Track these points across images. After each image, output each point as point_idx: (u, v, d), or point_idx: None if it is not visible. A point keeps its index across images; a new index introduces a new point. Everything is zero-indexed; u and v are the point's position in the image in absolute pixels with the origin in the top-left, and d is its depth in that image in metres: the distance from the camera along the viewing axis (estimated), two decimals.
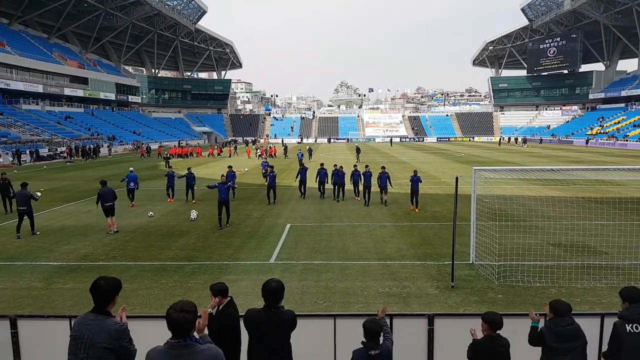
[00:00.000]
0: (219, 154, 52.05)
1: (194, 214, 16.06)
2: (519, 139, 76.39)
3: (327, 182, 20.23)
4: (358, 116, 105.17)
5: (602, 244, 11.64)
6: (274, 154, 46.99)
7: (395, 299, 8.49)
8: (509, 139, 79.51)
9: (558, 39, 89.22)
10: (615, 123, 71.71)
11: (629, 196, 18.78)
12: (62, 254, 11.82)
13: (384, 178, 18.16)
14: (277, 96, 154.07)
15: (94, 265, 10.82)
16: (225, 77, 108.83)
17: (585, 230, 12.64)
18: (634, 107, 75.21)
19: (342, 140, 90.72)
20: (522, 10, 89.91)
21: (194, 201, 19.41)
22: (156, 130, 78.76)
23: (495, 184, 18.78)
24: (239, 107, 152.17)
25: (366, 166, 19.59)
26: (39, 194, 15.03)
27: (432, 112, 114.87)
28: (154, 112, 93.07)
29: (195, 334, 3.22)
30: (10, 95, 57.75)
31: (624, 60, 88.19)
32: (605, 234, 12.03)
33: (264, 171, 25.46)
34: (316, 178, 20.01)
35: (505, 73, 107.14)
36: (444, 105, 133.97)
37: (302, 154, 35.48)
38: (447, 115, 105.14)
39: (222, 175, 15.79)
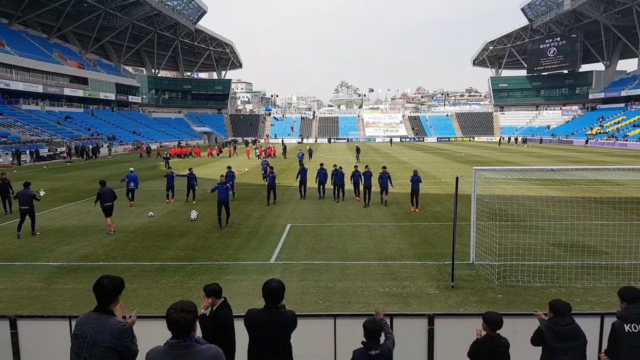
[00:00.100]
0: (218, 154, 52.01)
1: (194, 214, 16.06)
2: (519, 139, 76.41)
3: (327, 183, 20.21)
4: (358, 116, 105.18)
5: (602, 244, 11.65)
6: (273, 154, 46.88)
7: (395, 299, 8.49)
8: (509, 138, 79.52)
9: (558, 39, 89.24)
10: (615, 123, 71.72)
11: (628, 196, 18.78)
12: (62, 254, 11.82)
13: (384, 178, 18.14)
14: (277, 96, 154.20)
15: (94, 266, 10.82)
16: (226, 77, 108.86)
17: (585, 230, 12.63)
18: (633, 107, 75.23)
19: (342, 141, 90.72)
20: (522, 10, 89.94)
21: (194, 202, 19.40)
22: (156, 130, 78.76)
23: (496, 184, 18.78)
24: (239, 107, 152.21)
25: (366, 166, 19.57)
26: (42, 193, 15.02)
27: (432, 112, 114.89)
28: (154, 112, 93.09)
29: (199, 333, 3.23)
30: (10, 95, 57.76)
31: (624, 60, 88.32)
32: (605, 234, 12.03)
33: (263, 172, 25.46)
34: (316, 178, 20.00)
35: (505, 73, 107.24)
36: (444, 105, 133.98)
37: (303, 154, 35.46)
38: (447, 115, 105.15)
39: (222, 176, 15.79)
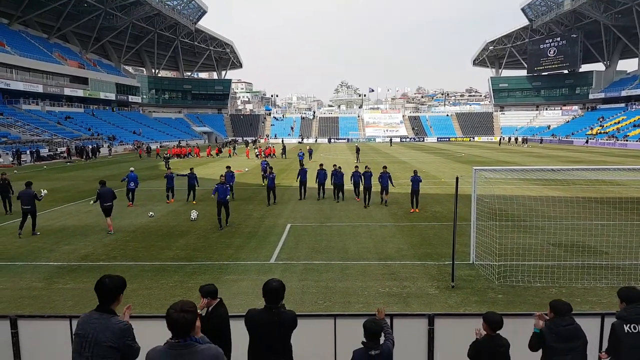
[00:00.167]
0: (217, 154, 51.95)
1: (194, 214, 16.06)
2: (519, 139, 76.43)
3: (327, 183, 20.17)
4: (358, 116, 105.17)
5: (602, 244, 11.64)
6: (273, 153, 46.83)
7: (395, 299, 8.49)
8: (509, 138, 79.51)
9: (558, 39, 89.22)
10: (615, 123, 71.71)
11: (629, 196, 18.78)
12: (62, 254, 11.82)
13: (385, 178, 18.11)
14: (277, 96, 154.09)
15: (95, 266, 10.82)
16: (226, 77, 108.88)
17: (585, 230, 12.64)
18: (634, 107, 75.21)
19: (343, 140, 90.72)
20: (523, 10, 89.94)
21: (194, 202, 19.40)
22: (156, 130, 78.78)
23: (496, 184, 18.77)
24: (239, 107, 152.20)
25: (366, 167, 19.55)
26: (44, 192, 15.00)
27: (432, 112, 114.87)
28: (154, 112, 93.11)
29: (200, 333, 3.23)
30: (10, 95, 57.77)
31: (624, 60, 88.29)
32: (605, 234, 12.03)
33: (263, 172, 25.43)
34: (316, 179, 19.99)
35: (506, 73, 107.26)
36: (444, 105, 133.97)
37: (303, 154, 35.44)
38: (447, 115, 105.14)
39: (221, 176, 15.79)
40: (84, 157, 46.88)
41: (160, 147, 57.64)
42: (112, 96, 76.30)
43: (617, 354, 4.17)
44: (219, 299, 4.68)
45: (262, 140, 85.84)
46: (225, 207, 14.62)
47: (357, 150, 43.21)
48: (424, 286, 9.18)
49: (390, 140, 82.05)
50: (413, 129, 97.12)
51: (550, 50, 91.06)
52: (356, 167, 20.55)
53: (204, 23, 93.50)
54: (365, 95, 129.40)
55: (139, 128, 74.26)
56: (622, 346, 4.12)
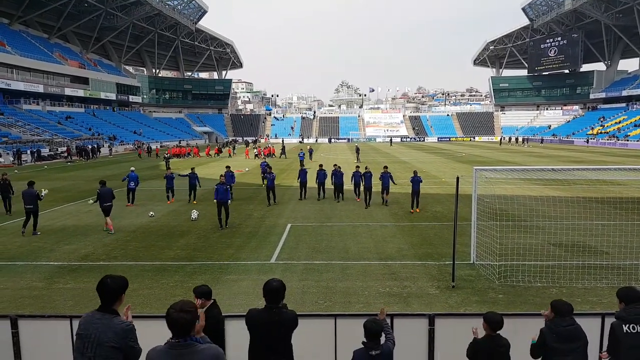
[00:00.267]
0: (216, 154, 51.90)
1: (194, 214, 16.06)
2: (519, 139, 76.43)
3: (327, 183, 20.15)
4: (359, 116, 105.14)
5: (603, 244, 11.64)
6: (272, 153, 46.82)
7: (396, 299, 8.49)
8: (510, 138, 79.48)
9: (559, 38, 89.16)
10: (616, 123, 71.66)
11: (629, 196, 18.76)
12: (63, 253, 11.83)
13: (386, 177, 18.07)
14: (277, 96, 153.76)
15: (95, 265, 10.83)
16: (226, 77, 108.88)
17: (586, 230, 12.62)
18: (634, 106, 75.16)
19: (343, 140, 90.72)
20: (523, 9, 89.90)
21: (194, 202, 19.40)
22: (157, 130, 78.82)
23: (496, 183, 18.76)
24: (240, 107, 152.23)
25: (366, 167, 19.54)
26: (45, 191, 15.03)
27: (432, 111, 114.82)
28: (154, 112, 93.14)
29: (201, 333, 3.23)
30: (11, 95, 57.80)
31: (625, 59, 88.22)
32: (606, 234, 12.02)
33: (262, 173, 25.42)
34: (316, 179, 19.98)
35: (506, 73, 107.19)
36: (445, 105, 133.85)
37: (304, 154, 35.43)
38: (447, 115, 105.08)
39: (221, 176, 15.78)
40: (85, 157, 46.92)
41: (161, 147, 57.62)
42: (112, 96, 76.34)
43: (617, 354, 4.16)
44: (213, 300, 4.70)
45: (262, 140, 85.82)
46: (225, 207, 14.60)
47: (357, 150, 43.21)
48: (424, 286, 9.18)
49: (391, 140, 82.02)
50: (413, 128, 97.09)
51: (550, 50, 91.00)
52: (357, 167, 20.53)
53: (205, 23, 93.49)
54: (365, 95, 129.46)
55: (140, 128, 74.30)
56: (622, 346, 4.11)
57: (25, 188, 14.40)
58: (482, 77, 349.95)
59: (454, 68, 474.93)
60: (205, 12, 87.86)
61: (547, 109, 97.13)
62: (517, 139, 77.10)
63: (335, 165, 20.40)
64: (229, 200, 15.23)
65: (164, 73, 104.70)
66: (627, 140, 60.83)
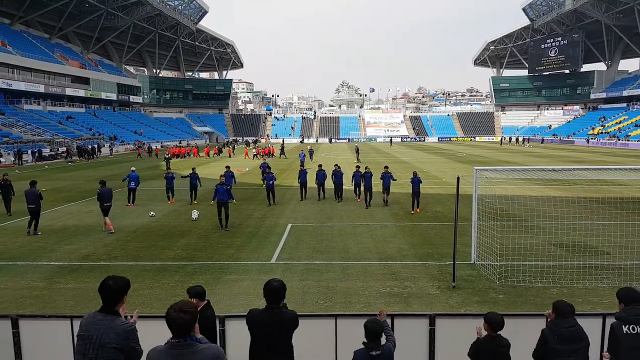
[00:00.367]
0: (215, 154, 51.86)
1: (195, 214, 16.07)
2: (520, 139, 76.39)
3: (328, 183, 20.13)
4: (359, 116, 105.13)
5: (603, 244, 11.62)
6: (271, 153, 46.80)
7: (396, 299, 8.48)
8: (510, 138, 79.44)
9: (559, 38, 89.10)
10: (616, 123, 71.61)
11: (630, 196, 18.74)
12: (63, 253, 11.84)
13: (387, 178, 18.05)
14: (278, 96, 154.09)
15: (96, 265, 10.83)
16: (227, 77, 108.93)
17: (587, 230, 12.61)
18: (635, 107, 75.08)
19: (343, 140, 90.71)
20: (524, 10, 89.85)
21: (195, 201, 19.40)
22: (157, 130, 78.86)
23: (497, 183, 18.74)
24: (240, 107, 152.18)
25: (366, 167, 19.52)
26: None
27: (433, 112, 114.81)
28: (155, 112, 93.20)
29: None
30: (12, 95, 57.84)
31: (626, 60, 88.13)
32: (607, 234, 12.01)
33: (263, 174, 25.38)
34: (316, 180, 19.97)
35: (507, 73, 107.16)
36: (445, 105, 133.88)
37: (304, 154, 35.38)
38: (448, 115, 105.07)
39: (221, 176, 15.78)
40: (85, 157, 46.93)
41: (161, 147, 57.57)
42: (113, 96, 76.38)
43: (617, 355, 4.15)
44: (206, 301, 4.69)
45: (262, 141, 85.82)
46: (225, 208, 14.48)
47: (357, 150, 43.17)
48: (425, 286, 9.17)
49: (391, 140, 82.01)
50: (414, 128, 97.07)
51: (551, 50, 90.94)
52: (357, 167, 20.50)
53: (205, 23, 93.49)
54: (366, 95, 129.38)
55: (140, 128, 74.34)
56: (621, 347, 4.10)
57: (27, 188, 14.45)
58: (483, 77, 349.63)
59: (454, 68, 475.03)
60: (205, 12, 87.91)
61: (547, 109, 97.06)
62: (517, 139, 77.06)
63: (335, 165, 20.39)
64: (233, 200, 15.21)
65: (164, 73, 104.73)
66: (628, 140, 60.78)
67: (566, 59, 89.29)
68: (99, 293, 3.50)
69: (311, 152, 44.62)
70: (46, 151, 46.54)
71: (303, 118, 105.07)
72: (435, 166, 35.20)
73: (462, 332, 4.91)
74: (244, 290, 9.02)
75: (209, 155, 50.11)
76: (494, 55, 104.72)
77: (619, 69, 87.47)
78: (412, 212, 16.86)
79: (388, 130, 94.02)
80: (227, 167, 21.14)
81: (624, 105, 78.57)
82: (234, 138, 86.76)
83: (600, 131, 71.15)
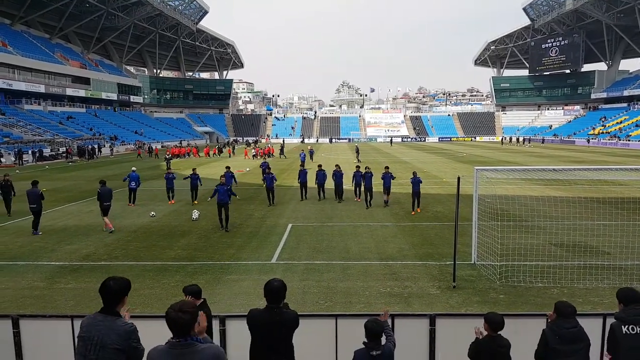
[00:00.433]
0: (215, 154, 51.83)
1: (195, 214, 16.08)
2: (520, 139, 76.36)
3: (328, 184, 20.12)
4: (360, 116, 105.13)
5: (604, 244, 11.62)
6: (270, 153, 46.76)
7: (396, 299, 8.48)
8: (511, 138, 79.41)
9: (560, 38, 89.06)
10: (617, 123, 71.55)
11: (631, 196, 18.73)
12: (64, 253, 11.84)
13: (387, 178, 18.03)
14: (278, 96, 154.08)
15: (96, 265, 10.84)
16: (227, 77, 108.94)
17: (587, 230, 12.61)
18: (636, 106, 75.02)
19: (344, 140, 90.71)
20: (524, 10, 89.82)
21: (195, 202, 19.41)
22: (158, 130, 78.89)
23: (497, 184, 18.72)
24: (241, 107, 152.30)
25: (366, 168, 19.51)
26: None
27: (433, 112, 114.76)
28: (155, 112, 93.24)
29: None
30: (12, 95, 57.89)
31: (626, 59, 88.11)
32: (607, 234, 12.00)
33: (263, 174, 25.36)
34: (315, 180, 19.96)
35: (507, 73, 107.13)
36: (446, 105, 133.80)
37: (305, 155, 35.37)
38: (448, 115, 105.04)
39: (221, 176, 15.79)
40: (86, 157, 46.96)
41: (161, 147, 57.55)
42: (113, 96, 76.43)
43: (616, 355, 4.15)
44: (202, 300, 4.69)
45: (263, 141, 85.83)
46: (225, 209, 14.40)
47: (357, 150, 43.16)
48: (425, 286, 9.17)
49: (391, 140, 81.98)
50: (414, 128, 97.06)
51: (552, 50, 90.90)
52: (357, 167, 20.48)
53: (205, 23, 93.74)
54: (366, 95, 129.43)
55: (141, 128, 74.37)
56: (621, 347, 4.10)
57: (28, 188, 14.49)
58: (483, 77, 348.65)
59: (455, 68, 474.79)
60: (206, 12, 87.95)
61: (548, 109, 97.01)
62: (518, 139, 77.03)
63: (336, 165, 20.38)
64: (236, 196, 15.23)
65: (165, 73, 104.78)
66: (629, 140, 60.74)
67: (567, 58, 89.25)
68: (99, 294, 3.51)
69: (311, 152, 44.61)
70: (47, 151, 46.57)
71: (303, 118, 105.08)
72: (435, 166, 35.20)
73: (463, 332, 4.91)
74: (245, 290, 9.02)
75: (208, 155, 50.10)
76: (494, 55, 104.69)
77: (619, 68, 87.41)
78: (413, 212, 16.84)
79: (388, 130, 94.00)
80: (227, 167, 21.13)
81: (625, 105, 78.51)
82: (234, 138, 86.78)
83: (600, 131, 71.11)
